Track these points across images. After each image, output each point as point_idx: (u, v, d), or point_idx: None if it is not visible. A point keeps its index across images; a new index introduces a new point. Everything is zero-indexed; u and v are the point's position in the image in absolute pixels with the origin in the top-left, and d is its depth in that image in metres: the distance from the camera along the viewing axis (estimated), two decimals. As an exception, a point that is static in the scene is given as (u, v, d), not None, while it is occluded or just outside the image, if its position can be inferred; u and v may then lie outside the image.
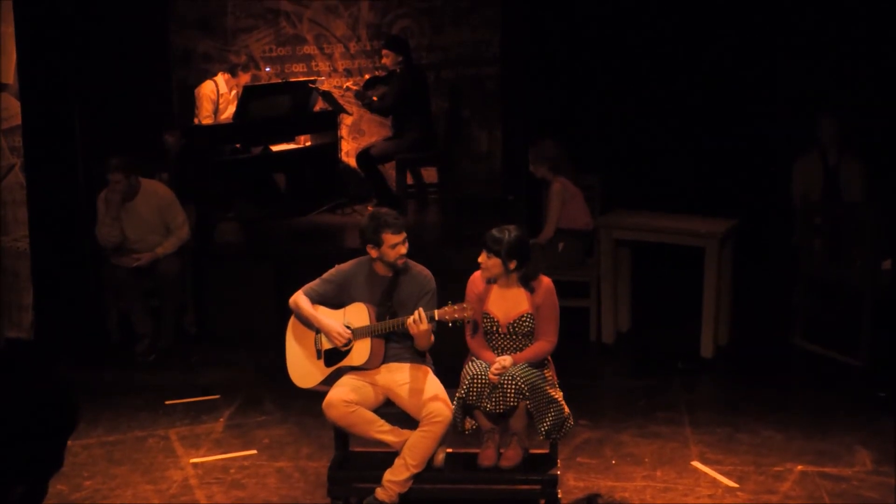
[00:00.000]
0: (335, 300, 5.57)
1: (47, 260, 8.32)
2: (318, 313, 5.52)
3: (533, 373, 5.30)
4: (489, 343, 5.48)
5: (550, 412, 5.27)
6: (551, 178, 8.08)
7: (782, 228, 8.58)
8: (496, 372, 5.25)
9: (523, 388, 5.22)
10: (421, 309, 5.26)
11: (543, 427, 5.27)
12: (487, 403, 5.27)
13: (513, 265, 5.38)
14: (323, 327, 5.50)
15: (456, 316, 5.22)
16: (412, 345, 5.47)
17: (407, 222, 5.47)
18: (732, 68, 9.31)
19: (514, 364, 5.31)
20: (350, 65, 10.93)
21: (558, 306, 5.50)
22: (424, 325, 5.24)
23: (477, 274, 5.53)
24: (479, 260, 5.43)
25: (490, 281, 5.46)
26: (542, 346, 5.42)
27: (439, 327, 5.37)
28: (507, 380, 5.24)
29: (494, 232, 5.38)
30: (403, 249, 5.43)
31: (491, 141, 10.81)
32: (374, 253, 5.45)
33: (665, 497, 5.70)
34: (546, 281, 5.50)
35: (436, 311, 5.27)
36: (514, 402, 5.25)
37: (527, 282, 5.45)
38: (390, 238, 5.39)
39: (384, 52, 9.84)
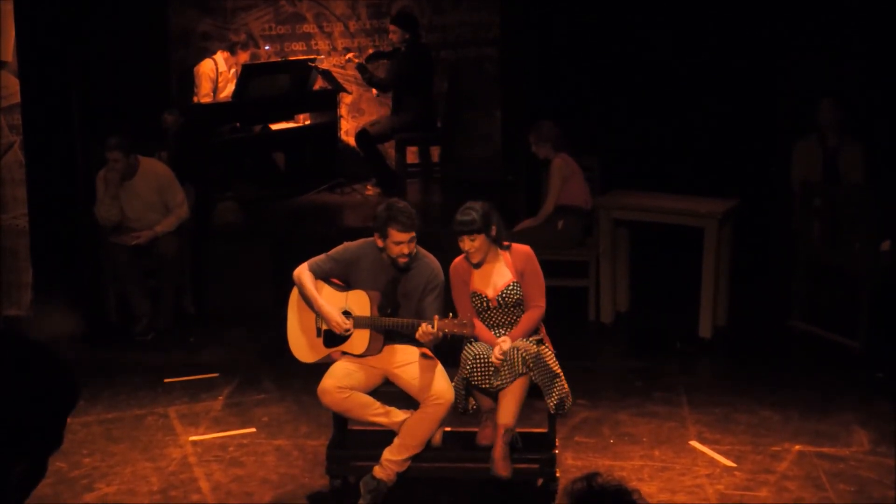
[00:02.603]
0: (340, 278, 5.55)
1: (46, 238, 8.32)
2: (319, 297, 5.46)
3: (535, 347, 5.31)
4: (483, 320, 5.47)
5: (556, 386, 5.28)
6: (553, 156, 8.09)
7: (782, 211, 8.58)
8: (499, 356, 5.25)
9: (528, 360, 5.22)
10: (435, 318, 5.17)
11: (552, 401, 5.27)
12: (494, 380, 5.25)
13: (494, 232, 5.38)
14: (322, 313, 5.44)
15: (455, 331, 5.19)
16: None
17: (415, 224, 5.37)
18: (733, 50, 9.29)
19: (514, 342, 5.32)
20: (350, 43, 10.90)
21: (541, 271, 5.49)
22: (431, 335, 5.19)
23: (456, 262, 5.50)
24: (465, 248, 5.37)
25: (479, 264, 5.43)
26: (533, 313, 5.42)
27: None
28: (512, 351, 5.24)
29: (462, 217, 5.34)
30: (406, 249, 5.33)
31: (490, 122, 10.79)
32: (379, 243, 5.40)
33: (663, 476, 5.72)
34: (524, 248, 5.51)
35: (437, 320, 5.19)
36: (522, 370, 5.22)
37: (500, 243, 5.45)
38: (395, 234, 5.31)
39: (391, 27, 9.82)
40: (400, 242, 5.31)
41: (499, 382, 5.26)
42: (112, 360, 7.59)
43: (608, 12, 9.38)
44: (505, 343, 5.29)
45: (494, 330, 5.45)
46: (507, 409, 5.27)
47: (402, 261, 5.38)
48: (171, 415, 6.65)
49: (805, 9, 9.06)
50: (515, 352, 5.23)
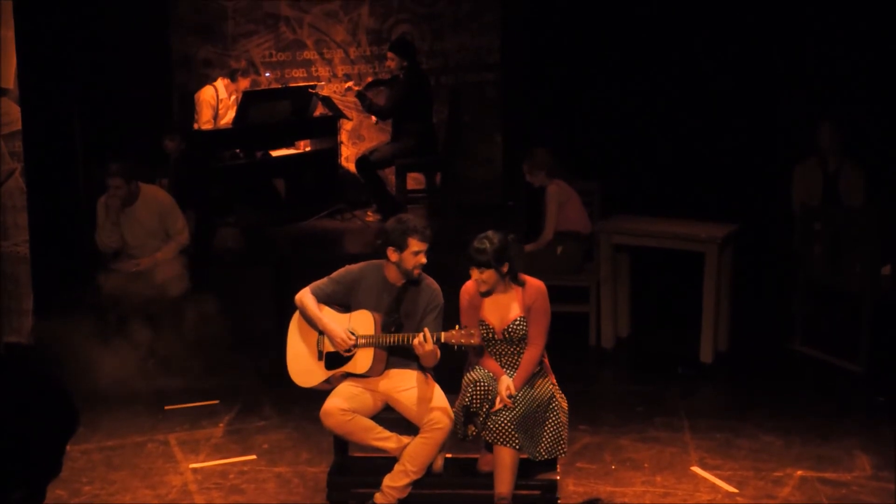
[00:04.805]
0: (342, 301, 5.54)
1: (47, 265, 8.32)
2: (322, 315, 5.48)
3: (522, 401, 5.29)
4: (487, 349, 5.45)
5: (543, 438, 5.28)
6: (548, 183, 8.09)
7: (782, 234, 8.58)
8: (507, 404, 5.23)
9: (510, 429, 5.21)
10: (427, 330, 5.21)
11: (540, 455, 5.28)
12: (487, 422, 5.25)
13: (506, 269, 5.35)
14: (327, 331, 5.45)
15: (462, 341, 5.18)
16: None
17: (431, 235, 5.41)
18: (732, 74, 9.32)
19: (517, 389, 5.29)
20: (350, 70, 10.94)
21: (549, 310, 5.43)
22: (430, 346, 5.19)
23: (469, 283, 5.49)
24: (473, 277, 5.36)
25: (487, 294, 5.43)
26: (531, 355, 5.37)
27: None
28: (496, 423, 5.23)
29: (476, 244, 5.30)
30: (423, 259, 5.37)
31: (491, 146, 10.81)
32: (393, 257, 5.38)
33: (664, 502, 5.70)
34: (538, 283, 5.44)
35: (443, 334, 5.21)
36: (504, 442, 5.23)
37: (516, 278, 5.43)
38: (415, 244, 5.32)
39: (389, 54, 9.85)
40: (419, 252, 5.34)
41: (485, 432, 5.26)
42: (112, 386, 7.56)
43: (609, 37, 9.42)
44: (510, 391, 5.26)
45: (496, 360, 5.43)
46: (502, 479, 5.26)
47: (416, 272, 5.39)
48: (172, 442, 6.63)
49: (805, 32, 9.09)
50: (502, 424, 5.21)
